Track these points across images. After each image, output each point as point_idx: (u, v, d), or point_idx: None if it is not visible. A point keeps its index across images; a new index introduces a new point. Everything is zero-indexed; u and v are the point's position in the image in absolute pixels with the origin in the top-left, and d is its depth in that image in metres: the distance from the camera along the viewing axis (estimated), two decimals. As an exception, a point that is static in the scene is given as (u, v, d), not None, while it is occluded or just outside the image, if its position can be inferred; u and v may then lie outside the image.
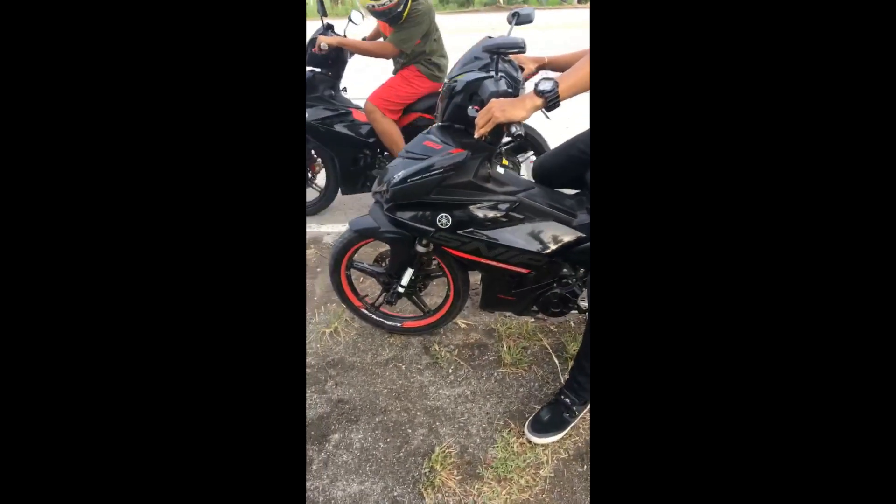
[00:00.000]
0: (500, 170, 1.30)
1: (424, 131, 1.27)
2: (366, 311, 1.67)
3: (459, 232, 1.26)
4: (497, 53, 1.09)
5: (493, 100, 1.02)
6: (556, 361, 1.56)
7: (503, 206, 1.25)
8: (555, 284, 1.36)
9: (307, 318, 1.79)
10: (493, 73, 1.12)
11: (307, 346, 1.67)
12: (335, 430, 1.37)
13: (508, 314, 1.59)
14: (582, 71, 0.96)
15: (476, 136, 1.07)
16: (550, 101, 0.96)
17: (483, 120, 1.02)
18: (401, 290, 1.51)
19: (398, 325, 1.67)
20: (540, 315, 1.45)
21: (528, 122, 1.06)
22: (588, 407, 1.34)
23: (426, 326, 1.65)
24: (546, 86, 0.96)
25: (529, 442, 1.30)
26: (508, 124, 0.99)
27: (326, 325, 1.74)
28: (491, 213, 1.25)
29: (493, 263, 1.30)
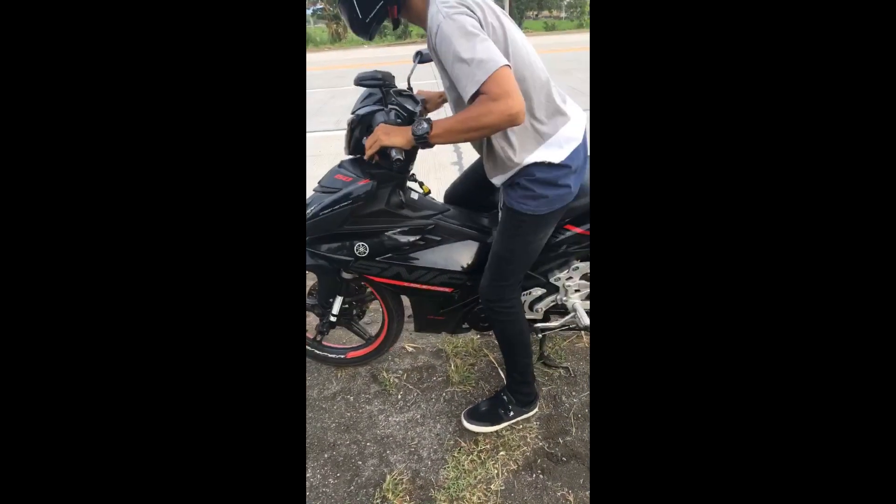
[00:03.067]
0: (414, 195, 1.35)
1: (336, 165, 1.31)
2: (309, 348, 1.64)
3: (378, 259, 1.30)
4: (383, 86, 1.16)
5: (380, 124, 1.10)
6: (503, 374, 1.59)
7: (419, 230, 1.30)
8: (480, 300, 1.38)
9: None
10: (384, 107, 1.19)
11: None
12: (282, 472, 1.32)
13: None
14: (455, 120, 0.98)
15: (366, 157, 1.13)
16: (419, 141, 1.01)
17: (370, 142, 1.09)
18: (332, 318, 1.50)
19: (342, 356, 1.65)
20: (473, 331, 1.49)
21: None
22: (527, 414, 1.39)
23: (369, 354, 1.64)
24: (419, 129, 1.01)
25: (463, 427, 1.37)
26: (390, 148, 1.06)
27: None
28: (407, 238, 1.30)
29: (416, 286, 1.35)
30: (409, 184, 1.36)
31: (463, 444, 1.36)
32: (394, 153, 1.05)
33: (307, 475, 1.30)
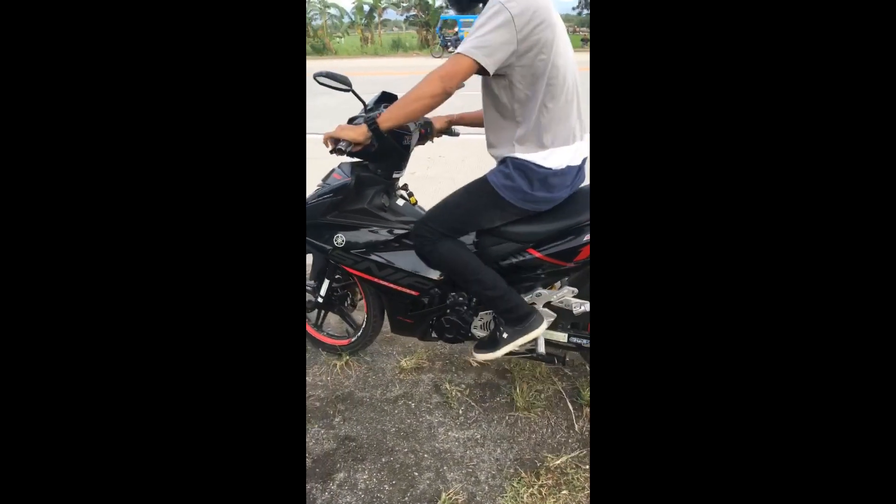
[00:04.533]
0: (400, 202, 1.49)
1: (337, 165, 1.47)
2: (309, 331, 1.75)
3: (352, 251, 1.44)
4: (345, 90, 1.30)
5: (340, 124, 1.25)
6: (571, 408, 1.50)
7: (396, 233, 1.42)
8: (448, 311, 1.46)
9: (318, 351, 1.78)
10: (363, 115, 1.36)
11: (317, 379, 1.66)
12: (340, 468, 1.33)
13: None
14: (398, 103, 1.14)
15: (329, 151, 1.26)
16: (370, 125, 1.15)
17: (326, 135, 1.23)
18: (319, 300, 1.61)
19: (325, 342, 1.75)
20: (440, 340, 1.53)
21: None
22: (527, 334, 1.33)
23: (349, 345, 1.71)
24: (373, 113, 1.19)
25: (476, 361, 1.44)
26: (338, 140, 1.21)
27: (337, 358, 1.73)
28: (383, 237, 1.43)
29: (384, 283, 1.45)
30: (400, 192, 1.52)
31: (524, 474, 1.29)
32: (342, 144, 1.21)
33: (364, 476, 1.31)
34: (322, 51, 16.99)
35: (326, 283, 1.61)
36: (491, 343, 1.40)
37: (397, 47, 16.96)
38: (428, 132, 1.53)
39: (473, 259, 1.33)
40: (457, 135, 1.63)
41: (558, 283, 1.45)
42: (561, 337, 1.44)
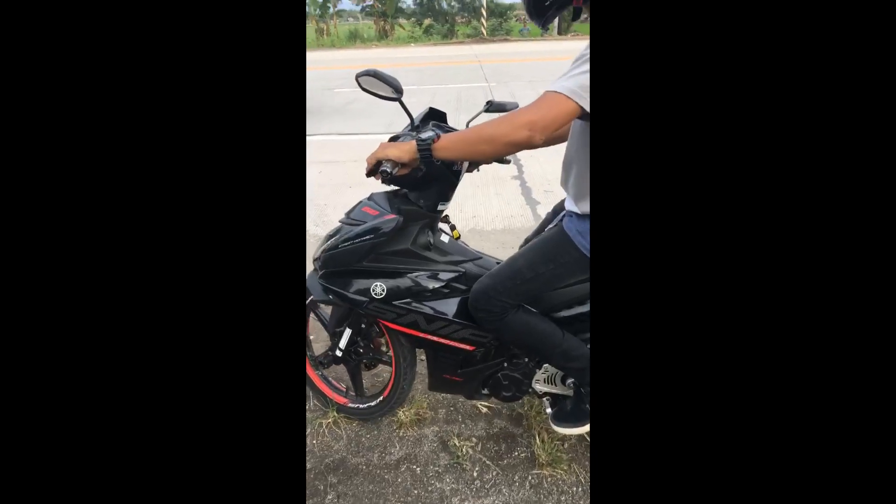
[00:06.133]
0: (445, 238, 1.23)
1: (366, 197, 1.21)
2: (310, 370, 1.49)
3: (395, 302, 1.17)
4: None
5: (382, 142, 1.00)
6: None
7: (445, 276, 1.17)
8: (505, 364, 1.24)
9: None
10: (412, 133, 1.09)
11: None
12: (339, 567, 1.10)
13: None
14: (464, 135, 0.91)
15: (366, 174, 1.02)
16: (422, 149, 0.92)
17: (370, 157, 0.99)
18: (338, 353, 1.35)
19: (330, 398, 1.49)
20: (492, 399, 1.30)
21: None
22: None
23: (342, 406, 1.47)
24: (425, 134, 0.96)
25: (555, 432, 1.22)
26: (381, 161, 0.96)
27: (324, 415, 1.48)
28: (431, 284, 1.17)
29: (434, 338, 1.20)
30: (441, 225, 1.25)
31: (561, 556, 1.10)
32: (385, 165, 0.95)
33: (370, 577, 1.08)
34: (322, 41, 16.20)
35: (348, 333, 1.33)
36: (576, 415, 1.19)
37: (355, 38, 16.35)
38: None
39: (552, 328, 1.12)
40: (508, 162, 1.32)
41: None
42: None
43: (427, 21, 16.76)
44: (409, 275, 1.16)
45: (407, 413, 1.46)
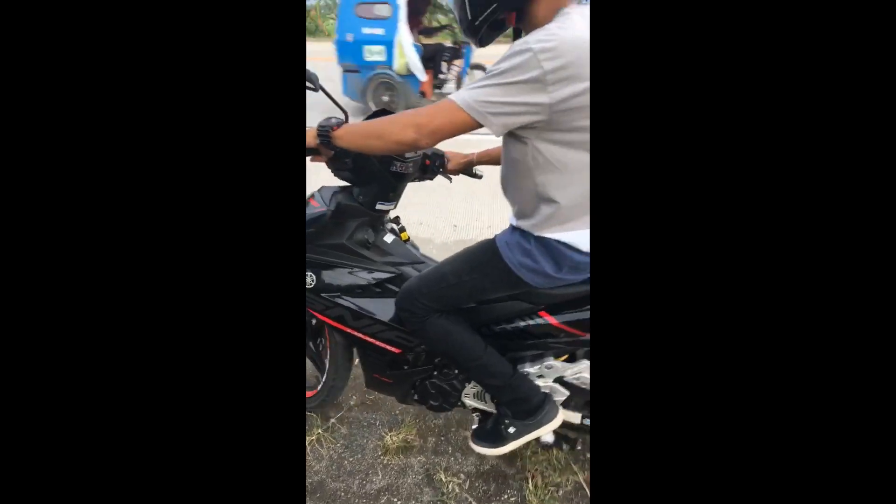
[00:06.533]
0: (389, 239, 1.22)
1: (316, 189, 1.22)
2: None
3: (323, 294, 1.18)
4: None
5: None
6: None
7: (379, 276, 1.18)
8: (435, 373, 1.21)
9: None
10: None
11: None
12: None
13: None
14: (360, 127, 0.90)
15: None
16: (321, 135, 0.92)
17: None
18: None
19: None
20: (421, 404, 1.25)
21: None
22: (537, 430, 1.10)
23: (313, 398, 1.43)
24: (328, 121, 0.95)
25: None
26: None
27: (309, 430, 1.41)
28: (363, 281, 1.17)
29: (360, 335, 1.19)
30: (391, 226, 1.26)
31: None
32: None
33: None
34: (315, 32, 16.31)
35: None
36: (493, 435, 1.15)
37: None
38: (435, 165, 1.22)
39: (474, 340, 1.05)
40: (480, 177, 1.31)
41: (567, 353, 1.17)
42: (574, 418, 1.18)
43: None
44: (340, 269, 1.17)
45: (394, 438, 1.38)
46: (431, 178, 1.26)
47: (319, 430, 1.40)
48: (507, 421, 1.11)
